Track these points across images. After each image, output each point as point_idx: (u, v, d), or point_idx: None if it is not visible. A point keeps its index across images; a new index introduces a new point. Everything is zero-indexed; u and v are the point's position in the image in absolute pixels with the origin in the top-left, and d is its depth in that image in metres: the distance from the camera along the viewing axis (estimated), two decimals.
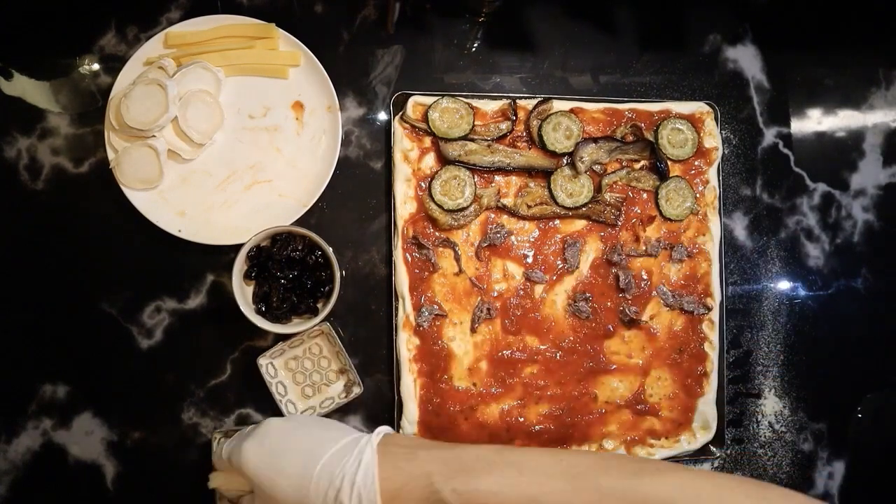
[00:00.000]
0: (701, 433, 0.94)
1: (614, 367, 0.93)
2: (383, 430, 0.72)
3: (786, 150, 1.03)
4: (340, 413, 0.91)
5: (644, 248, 0.94)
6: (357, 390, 0.87)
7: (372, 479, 0.65)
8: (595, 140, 0.93)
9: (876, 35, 1.08)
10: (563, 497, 0.64)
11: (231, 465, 0.73)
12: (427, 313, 0.90)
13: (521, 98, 0.94)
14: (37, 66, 0.92)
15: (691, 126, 0.96)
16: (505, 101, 0.94)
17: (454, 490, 0.64)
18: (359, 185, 0.94)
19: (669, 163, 0.95)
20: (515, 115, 0.93)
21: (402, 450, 0.69)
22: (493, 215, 0.93)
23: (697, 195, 0.96)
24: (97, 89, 0.92)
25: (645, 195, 0.95)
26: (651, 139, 0.95)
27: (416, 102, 0.92)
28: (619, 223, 0.94)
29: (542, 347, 0.92)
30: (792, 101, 1.04)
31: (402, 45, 0.96)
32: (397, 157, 0.92)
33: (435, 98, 0.92)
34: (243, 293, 0.86)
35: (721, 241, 0.96)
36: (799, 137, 1.04)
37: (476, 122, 0.92)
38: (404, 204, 0.91)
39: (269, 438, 0.71)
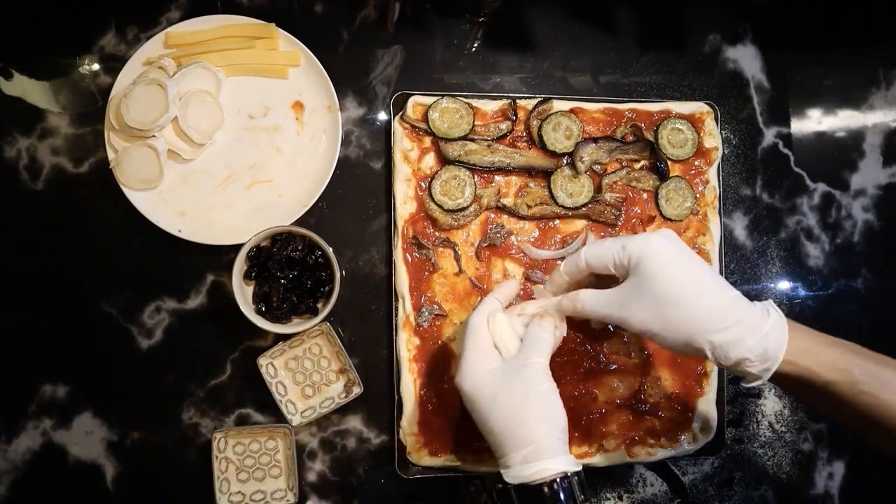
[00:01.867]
0: (701, 433, 0.94)
1: (614, 367, 0.93)
2: (770, 301, 0.72)
3: (786, 150, 1.03)
4: (340, 413, 0.91)
5: None
6: (357, 390, 0.87)
7: (783, 328, 0.67)
8: (595, 140, 0.93)
9: (876, 35, 1.08)
10: None
11: (606, 255, 0.72)
12: (427, 313, 0.90)
13: (521, 98, 0.94)
14: (37, 66, 0.92)
15: (691, 126, 0.96)
16: (505, 101, 0.94)
17: (861, 366, 0.65)
18: (359, 185, 0.94)
19: (669, 163, 0.95)
20: (515, 115, 0.93)
21: (796, 323, 0.70)
22: (493, 215, 0.93)
23: (697, 195, 0.96)
24: (97, 89, 0.92)
25: (645, 195, 0.95)
26: (651, 139, 0.95)
27: (416, 102, 0.92)
28: (619, 223, 0.94)
29: None
30: (792, 101, 1.04)
31: (402, 45, 0.96)
32: (397, 157, 0.92)
33: (435, 98, 0.92)
34: (243, 293, 0.86)
35: (721, 241, 0.96)
36: (799, 137, 1.04)
37: (476, 122, 0.92)
38: (404, 204, 0.91)
39: (676, 242, 0.72)
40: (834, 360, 0.65)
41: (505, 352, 0.75)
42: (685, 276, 0.69)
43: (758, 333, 0.66)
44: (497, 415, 0.71)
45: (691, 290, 0.68)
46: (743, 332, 0.66)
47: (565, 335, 0.78)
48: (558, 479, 0.66)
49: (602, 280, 0.77)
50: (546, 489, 0.66)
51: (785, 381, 0.68)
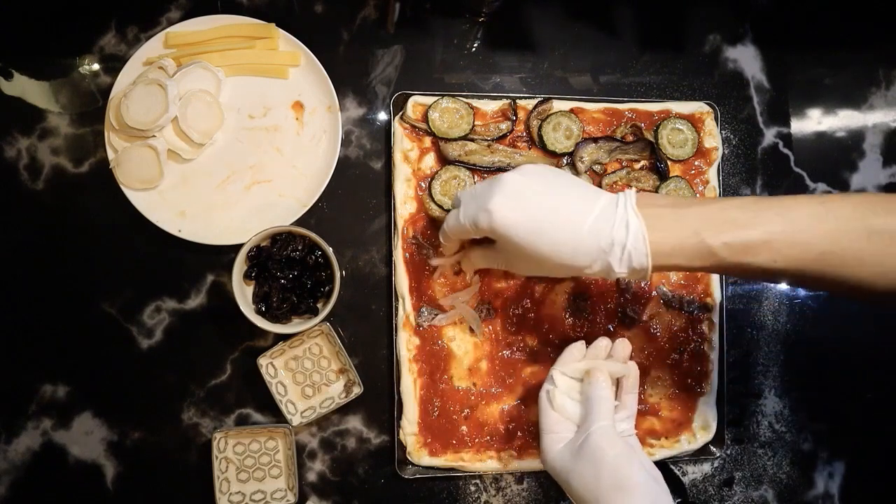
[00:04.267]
0: (701, 433, 0.94)
1: None
2: (632, 192, 0.70)
3: (786, 150, 1.03)
4: (340, 413, 0.91)
5: None
6: (357, 390, 0.87)
7: (643, 241, 0.66)
8: (595, 140, 0.93)
9: (876, 35, 1.08)
10: (831, 240, 0.63)
11: (465, 230, 0.73)
12: (427, 313, 0.90)
13: (521, 98, 0.94)
14: (37, 66, 0.92)
15: (691, 126, 0.96)
16: (505, 101, 0.94)
17: (725, 243, 0.65)
18: (359, 185, 0.94)
19: (669, 163, 0.95)
20: (515, 115, 0.93)
21: (666, 210, 0.68)
22: None
23: (697, 195, 0.96)
24: (97, 89, 0.92)
25: None
26: (651, 139, 0.95)
27: (416, 102, 0.92)
28: None
29: (542, 347, 0.92)
30: (792, 101, 1.04)
31: (402, 45, 0.96)
32: (397, 157, 0.92)
33: (435, 98, 0.92)
34: (243, 293, 0.86)
35: None
36: (799, 137, 1.04)
37: (476, 122, 0.92)
38: (404, 204, 0.91)
39: (522, 198, 0.69)
40: (695, 250, 0.66)
41: (575, 421, 0.75)
42: (538, 234, 0.68)
43: (619, 255, 0.67)
44: (575, 493, 0.70)
45: (550, 245, 0.68)
46: (608, 261, 0.67)
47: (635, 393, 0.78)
48: None
49: None
50: None
51: (665, 270, 0.70)
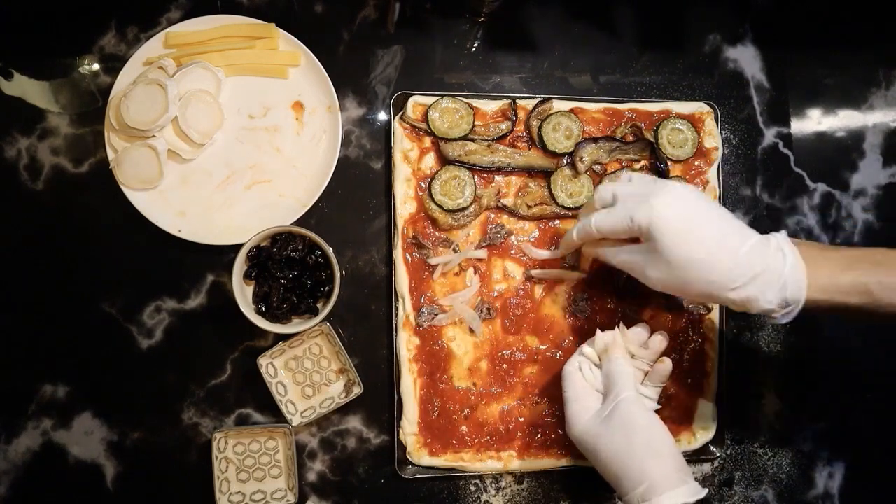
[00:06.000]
0: (701, 433, 0.94)
1: None
2: (783, 232, 0.72)
3: (786, 150, 1.03)
4: (340, 413, 0.91)
5: None
6: (357, 390, 0.87)
7: (801, 270, 0.68)
8: (595, 140, 0.93)
9: (876, 35, 1.08)
10: None
11: (618, 226, 0.73)
12: (427, 313, 0.90)
13: (521, 98, 0.94)
14: (37, 66, 0.92)
15: (691, 126, 0.96)
16: (505, 101, 0.94)
17: (880, 281, 0.66)
18: (359, 185, 0.94)
19: (669, 163, 0.95)
20: (515, 115, 0.93)
21: (815, 250, 0.71)
22: (493, 215, 0.93)
23: None
24: (97, 89, 0.92)
25: None
26: (651, 139, 0.95)
27: (416, 102, 0.92)
28: None
29: (542, 347, 0.92)
30: (792, 101, 1.04)
31: (402, 45, 0.96)
32: (397, 157, 0.92)
33: (435, 98, 0.92)
34: (243, 293, 0.86)
35: None
36: (799, 137, 1.04)
37: (476, 122, 0.92)
38: (404, 204, 0.91)
39: (688, 202, 0.70)
40: (852, 285, 0.67)
41: (601, 392, 0.78)
42: (696, 242, 0.69)
43: (775, 286, 0.67)
44: (604, 458, 0.72)
45: (704, 256, 0.68)
46: (760, 286, 0.67)
47: (670, 369, 0.80)
48: None
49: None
50: None
51: (809, 312, 0.69)
